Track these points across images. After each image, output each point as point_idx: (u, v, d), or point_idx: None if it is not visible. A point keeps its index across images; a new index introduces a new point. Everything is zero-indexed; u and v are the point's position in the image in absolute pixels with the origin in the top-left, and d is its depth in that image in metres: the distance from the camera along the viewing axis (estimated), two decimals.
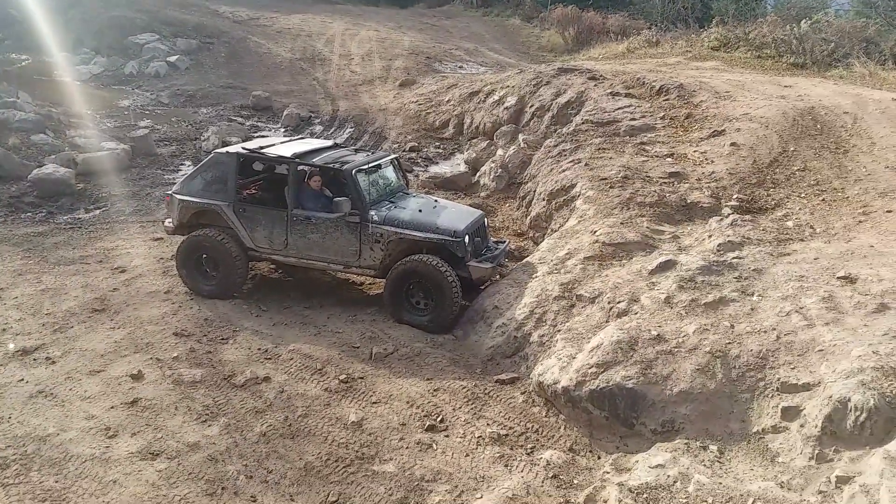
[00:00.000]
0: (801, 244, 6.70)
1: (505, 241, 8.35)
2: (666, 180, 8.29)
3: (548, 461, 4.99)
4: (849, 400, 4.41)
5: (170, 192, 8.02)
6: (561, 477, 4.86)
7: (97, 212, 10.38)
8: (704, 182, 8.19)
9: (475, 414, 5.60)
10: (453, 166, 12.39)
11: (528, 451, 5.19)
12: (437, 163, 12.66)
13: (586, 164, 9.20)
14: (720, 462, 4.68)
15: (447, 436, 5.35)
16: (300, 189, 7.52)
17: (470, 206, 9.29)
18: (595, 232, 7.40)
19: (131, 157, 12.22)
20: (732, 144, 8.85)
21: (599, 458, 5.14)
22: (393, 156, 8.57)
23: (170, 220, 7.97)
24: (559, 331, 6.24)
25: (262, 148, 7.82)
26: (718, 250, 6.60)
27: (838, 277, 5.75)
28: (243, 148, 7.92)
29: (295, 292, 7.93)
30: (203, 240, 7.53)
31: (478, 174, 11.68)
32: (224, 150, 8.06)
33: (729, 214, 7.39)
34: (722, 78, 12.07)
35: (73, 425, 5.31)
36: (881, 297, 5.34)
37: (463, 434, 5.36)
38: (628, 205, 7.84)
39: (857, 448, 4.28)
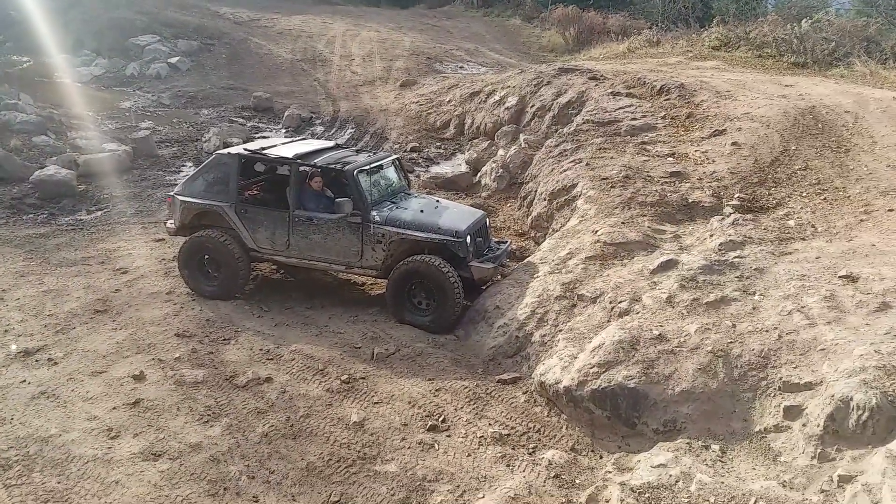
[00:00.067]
0: (802, 243, 6.70)
1: (507, 242, 8.34)
2: (667, 180, 8.29)
3: (550, 461, 4.99)
4: (851, 399, 4.41)
5: (171, 194, 8.05)
6: (563, 477, 4.86)
7: (99, 213, 10.40)
8: (706, 181, 8.19)
9: (477, 414, 5.60)
10: (454, 166, 12.38)
11: (530, 450, 5.19)
12: (439, 163, 12.65)
13: (587, 164, 9.20)
14: (722, 461, 4.68)
15: (449, 436, 5.35)
16: (302, 190, 7.52)
17: (471, 206, 9.28)
18: (596, 232, 7.40)
19: (133, 159, 12.23)
20: (734, 144, 8.85)
21: (601, 457, 5.14)
22: (394, 156, 8.57)
23: (171, 221, 7.98)
24: (561, 330, 6.24)
25: (263, 149, 7.83)
26: (720, 249, 6.59)
27: (840, 276, 5.76)
28: (245, 149, 7.93)
29: (297, 293, 7.93)
30: (205, 241, 7.54)
31: (479, 174, 11.67)
32: (225, 151, 8.06)
33: (730, 214, 7.39)
34: (723, 77, 12.06)
35: (76, 426, 5.32)
36: (883, 296, 5.34)
37: (465, 434, 5.36)
38: (629, 204, 7.83)
39: (859, 447, 4.28)
